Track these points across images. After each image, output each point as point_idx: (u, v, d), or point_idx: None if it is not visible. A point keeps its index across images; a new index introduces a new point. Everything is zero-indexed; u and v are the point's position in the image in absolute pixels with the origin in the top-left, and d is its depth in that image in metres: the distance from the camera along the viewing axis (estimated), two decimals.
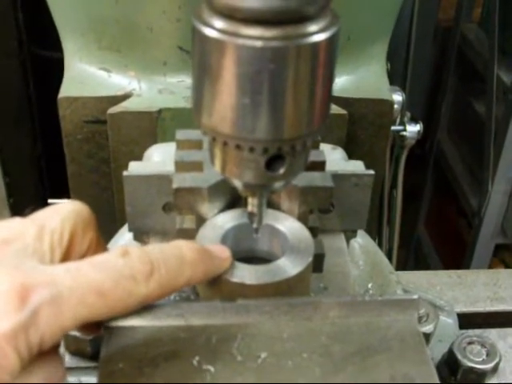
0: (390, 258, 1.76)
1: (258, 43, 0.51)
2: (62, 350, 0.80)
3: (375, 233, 1.78)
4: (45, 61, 2.07)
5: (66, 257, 0.59)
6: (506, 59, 2.22)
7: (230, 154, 0.58)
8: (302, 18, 0.52)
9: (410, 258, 2.87)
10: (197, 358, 0.60)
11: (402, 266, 2.63)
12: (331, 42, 0.54)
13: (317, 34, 0.53)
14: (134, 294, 0.56)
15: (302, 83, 0.54)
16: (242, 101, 0.53)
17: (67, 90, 1.31)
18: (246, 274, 0.66)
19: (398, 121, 1.60)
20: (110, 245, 0.95)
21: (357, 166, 0.86)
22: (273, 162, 0.58)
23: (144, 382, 0.58)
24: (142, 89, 1.31)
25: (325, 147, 0.92)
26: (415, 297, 0.66)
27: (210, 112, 0.56)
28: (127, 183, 0.80)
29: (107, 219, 1.36)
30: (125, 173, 0.80)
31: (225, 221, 0.72)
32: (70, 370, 0.79)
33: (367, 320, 0.65)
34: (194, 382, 0.58)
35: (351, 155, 1.41)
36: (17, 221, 0.59)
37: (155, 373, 0.59)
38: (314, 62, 0.54)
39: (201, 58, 0.55)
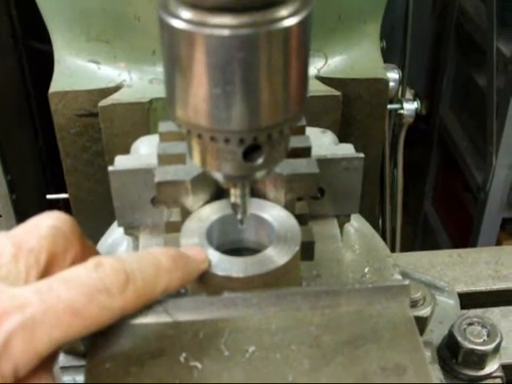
0: (393, 237, 1.75)
1: (225, 32, 0.49)
2: None
3: (378, 213, 1.76)
4: (41, 54, 2.05)
5: (44, 276, 0.56)
6: (505, 31, 2.18)
7: (207, 147, 0.57)
8: (271, 3, 0.50)
9: (417, 235, 2.85)
10: (184, 355, 0.59)
11: (409, 243, 2.61)
12: (303, 25, 0.52)
13: (287, 18, 0.51)
14: (109, 308, 0.54)
15: (274, 71, 0.52)
16: (213, 91, 0.52)
17: (57, 84, 1.30)
18: (232, 266, 0.65)
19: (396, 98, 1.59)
20: (102, 240, 0.94)
21: (347, 150, 0.84)
22: (250, 152, 0.56)
23: (131, 382, 0.57)
24: (133, 79, 1.30)
25: (314, 131, 0.91)
26: (406, 282, 0.65)
27: (182, 104, 0.55)
28: (113, 178, 0.79)
29: (104, 212, 1.35)
30: (110, 168, 0.79)
31: (210, 213, 0.71)
32: (65, 369, 0.78)
33: (358, 308, 0.63)
34: (181, 381, 0.57)
35: (348, 137, 1.40)
36: None
37: (142, 372, 0.58)
38: (286, 48, 0.52)
39: (170, 50, 0.53)
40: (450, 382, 0.85)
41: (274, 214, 0.71)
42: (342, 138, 1.33)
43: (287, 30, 0.51)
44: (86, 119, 1.32)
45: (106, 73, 1.31)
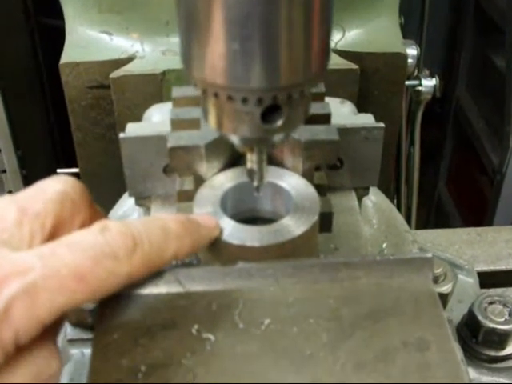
0: (409, 216, 1.72)
1: None
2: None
3: (393, 192, 1.73)
4: (53, 30, 2.03)
5: (49, 241, 0.53)
6: None
7: (223, 107, 0.54)
8: None
9: (430, 217, 2.81)
10: (196, 327, 0.56)
11: (422, 225, 2.58)
12: None
13: None
14: (116, 273, 0.51)
15: (295, 27, 0.49)
16: (231, 47, 0.49)
17: (69, 55, 1.27)
18: (247, 235, 0.62)
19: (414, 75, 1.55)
20: (113, 212, 0.92)
21: (367, 119, 0.81)
22: (269, 113, 0.53)
23: (140, 353, 0.54)
24: (145, 51, 1.27)
25: (332, 101, 0.88)
26: (429, 255, 0.62)
27: (198, 62, 0.52)
28: (124, 146, 0.76)
29: (116, 186, 1.32)
30: (121, 135, 0.76)
31: (224, 181, 0.68)
32: (72, 341, 0.76)
33: (378, 281, 0.61)
34: (193, 353, 0.54)
35: (365, 112, 1.37)
36: None
37: (152, 343, 0.55)
38: (308, 3, 0.49)
39: (187, 5, 0.50)
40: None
41: (291, 182, 0.68)
42: (359, 112, 1.31)
43: None
44: (98, 91, 1.29)
45: (119, 44, 1.28)
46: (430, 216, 2.81)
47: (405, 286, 0.60)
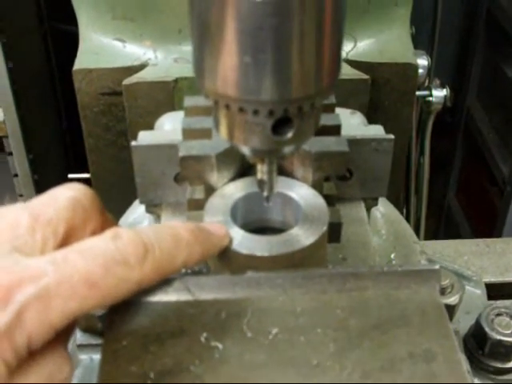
0: (418, 227, 1.72)
1: None
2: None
3: (403, 202, 1.74)
4: (66, 35, 2.04)
5: (61, 248, 0.54)
6: None
7: (234, 119, 0.55)
8: None
9: (440, 228, 2.81)
10: (204, 335, 0.57)
11: (432, 235, 2.57)
12: None
13: None
14: (127, 280, 0.52)
15: (307, 39, 0.50)
16: (243, 59, 0.49)
17: (82, 61, 1.28)
18: (256, 245, 0.63)
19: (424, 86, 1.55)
20: (123, 219, 0.93)
21: (377, 131, 0.82)
22: (280, 125, 0.54)
23: (149, 360, 0.55)
24: (158, 58, 1.28)
25: (343, 112, 0.89)
26: (437, 267, 0.62)
27: (210, 73, 0.52)
28: (136, 154, 0.77)
29: (126, 193, 1.33)
30: (133, 143, 0.77)
31: (235, 190, 0.69)
32: (82, 347, 0.77)
33: (386, 292, 0.61)
34: (201, 361, 0.55)
35: (376, 122, 1.37)
36: (11, 209, 0.54)
37: (161, 350, 0.56)
38: (320, 16, 0.49)
39: (200, 17, 0.51)
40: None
41: (301, 192, 0.68)
42: (369, 122, 1.31)
43: None
44: (110, 98, 1.30)
45: (131, 51, 1.29)
46: (440, 226, 2.80)
47: (412, 298, 0.61)
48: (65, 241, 0.54)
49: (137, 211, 0.91)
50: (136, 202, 0.92)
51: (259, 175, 0.62)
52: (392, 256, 0.86)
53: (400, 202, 1.66)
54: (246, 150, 0.58)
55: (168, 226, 0.58)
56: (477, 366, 0.84)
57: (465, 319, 0.90)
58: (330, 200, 0.72)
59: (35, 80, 2.12)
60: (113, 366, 0.55)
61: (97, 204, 0.58)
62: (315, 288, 0.61)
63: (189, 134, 0.71)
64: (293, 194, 0.68)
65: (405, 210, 1.74)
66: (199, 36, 0.52)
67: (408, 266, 0.62)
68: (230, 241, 0.63)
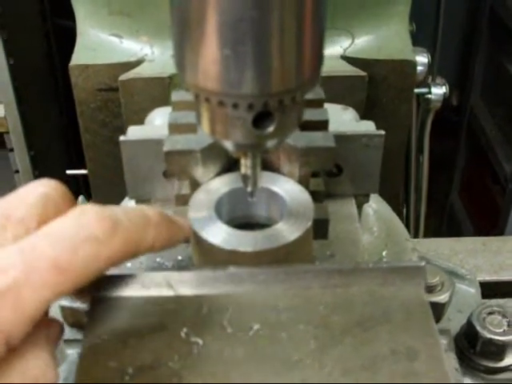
0: (417, 225, 1.71)
1: None
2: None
3: (403, 200, 1.73)
4: (68, 30, 2.04)
5: None
6: None
7: (215, 113, 0.54)
8: None
9: (442, 226, 2.80)
10: (185, 330, 0.57)
11: (434, 234, 2.56)
12: None
13: None
14: (96, 257, 0.51)
15: (286, 32, 0.49)
16: (221, 52, 0.49)
17: (79, 57, 1.28)
18: (239, 240, 0.62)
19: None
20: None
21: (368, 127, 0.81)
22: (260, 119, 0.53)
23: (128, 355, 0.55)
24: (155, 54, 1.27)
25: (335, 107, 0.88)
26: (423, 263, 0.62)
27: (190, 67, 0.52)
28: (124, 149, 0.77)
29: (124, 189, 1.33)
30: (121, 138, 0.77)
31: (220, 185, 0.68)
32: (68, 342, 0.76)
33: (370, 289, 0.60)
34: (181, 356, 0.55)
35: (373, 119, 1.36)
36: None
37: (140, 345, 0.56)
38: (300, 9, 0.49)
39: (179, 9, 0.51)
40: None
41: (286, 188, 0.68)
42: (367, 120, 1.30)
43: None
44: (107, 94, 1.30)
45: (128, 47, 1.29)
46: (443, 225, 2.79)
47: (397, 295, 0.60)
48: None
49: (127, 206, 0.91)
50: (127, 198, 0.91)
51: (243, 170, 0.61)
52: (383, 253, 0.85)
53: (400, 199, 1.65)
54: (228, 144, 0.57)
55: (136, 206, 0.58)
56: (468, 364, 0.83)
57: (457, 318, 0.89)
58: (318, 196, 0.71)
59: (37, 76, 2.12)
60: (92, 360, 0.55)
61: (68, 198, 0.58)
62: (299, 284, 0.60)
63: (175, 128, 0.70)
64: (278, 190, 0.67)
65: (405, 209, 1.73)
66: (179, 29, 0.52)
67: (394, 263, 0.62)
68: (193, 231, 0.63)
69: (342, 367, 0.54)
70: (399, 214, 1.67)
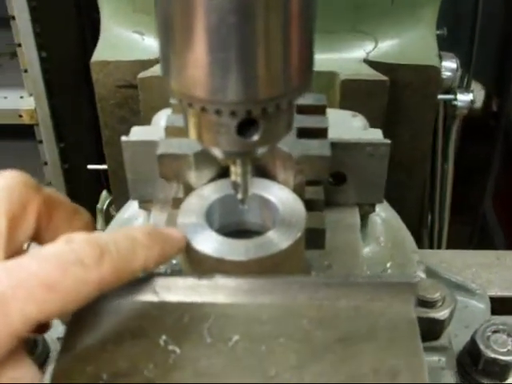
0: (440, 234, 1.68)
1: None
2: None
3: (427, 208, 1.70)
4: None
5: (10, 243, 0.54)
6: None
7: (200, 119, 0.53)
8: None
9: (473, 236, 2.74)
10: (164, 338, 0.56)
11: (464, 244, 2.51)
12: None
13: None
14: (85, 281, 0.50)
15: (267, 39, 0.47)
16: (202, 58, 0.48)
17: (100, 53, 1.28)
18: (227, 249, 0.61)
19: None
20: (120, 214, 0.92)
21: (375, 135, 0.79)
22: (245, 126, 0.52)
23: (104, 361, 0.54)
24: None
25: (344, 114, 0.86)
26: (414, 280, 0.60)
27: (174, 72, 0.51)
28: (126, 149, 0.76)
29: None
30: (123, 138, 0.76)
31: (214, 191, 0.67)
32: (60, 339, 0.76)
33: (358, 304, 0.59)
34: (156, 364, 0.54)
35: (395, 124, 1.34)
36: None
37: (118, 351, 0.55)
38: (283, 14, 0.47)
39: (162, 15, 0.50)
40: None
41: (280, 195, 0.66)
42: (389, 126, 1.28)
43: None
44: (127, 91, 1.30)
45: (150, 44, 1.28)
46: (473, 235, 2.73)
47: (384, 311, 0.58)
48: (11, 234, 0.54)
49: (132, 206, 0.90)
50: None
51: (233, 177, 0.60)
52: (388, 265, 0.84)
53: (423, 207, 1.62)
54: (216, 151, 0.56)
55: (123, 230, 0.57)
56: (470, 382, 0.81)
57: (463, 333, 0.86)
58: (316, 205, 0.70)
59: (69, 69, 2.13)
60: (69, 363, 0.55)
61: (30, 184, 0.57)
62: (284, 296, 0.59)
63: (172, 131, 0.70)
64: (271, 197, 0.66)
65: (430, 217, 1.70)
66: (161, 33, 0.51)
67: (384, 278, 0.60)
68: (188, 242, 0.62)
69: None
70: (423, 222, 1.65)
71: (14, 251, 0.55)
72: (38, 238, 0.59)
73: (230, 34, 0.47)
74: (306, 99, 0.70)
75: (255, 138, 0.53)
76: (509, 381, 0.80)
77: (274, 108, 0.51)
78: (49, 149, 2.10)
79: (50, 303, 0.49)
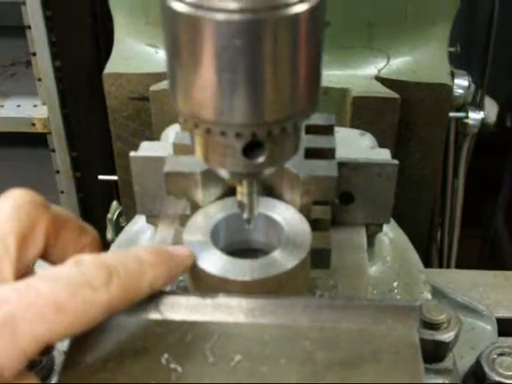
0: (450, 252, 1.67)
1: (221, 16, 0.45)
2: None
3: (438, 225, 1.69)
4: None
5: (19, 262, 0.54)
6: None
7: (206, 140, 0.53)
8: None
9: (484, 253, 2.72)
10: (166, 356, 0.56)
11: (474, 261, 2.50)
12: (312, 14, 0.48)
13: (294, 5, 0.46)
14: (94, 302, 0.51)
15: (272, 62, 0.48)
16: (207, 80, 0.48)
17: (113, 65, 1.29)
18: (231, 268, 0.61)
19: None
20: (128, 227, 0.92)
21: (382, 155, 0.79)
22: (251, 148, 0.52)
23: (106, 379, 0.54)
24: None
25: (352, 132, 0.86)
26: (417, 303, 0.60)
27: (179, 93, 0.51)
28: (134, 164, 0.77)
29: None
30: (131, 153, 0.77)
31: (220, 209, 0.67)
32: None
33: (360, 327, 0.59)
34: (157, 382, 0.54)
35: (407, 142, 1.34)
36: None
37: (119, 369, 0.55)
38: (289, 38, 0.47)
39: (168, 35, 0.50)
40: None
41: (286, 215, 0.66)
42: (400, 143, 1.28)
43: (293, 17, 0.47)
44: (139, 103, 1.30)
45: (163, 57, 1.29)
46: (484, 251, 2.72)
47: (387, 334, 0.58)
48: (20, 253, 0.54)
49: (141, 221, 0.90)
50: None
51: (239, 197, 0.61)
52: (394, 284, 0.83)
53: (433, 224, 1.62)
54: (222, 172, 0.57)
55: (130, 251, 0.58)
56: None
57: (469, 355, 0.86)
58: (322, 224, 0.70)
59: (83, 79, 2.14)
60: (71, 380, 0.55)
61: (39, 203, 0.58)
62: (287, 317, 0.59)
63: (179, 148, 0.70)
64: (277, 217, 0.66)
65: (440, 234, 1.69)
66: (170, 54, 0.51)
67: (387, 301, 0.60)
68: (195, 260, 0.62)
69: None
70: (432, 240, 1.64)
71: (23, 270, 0.55)
72: (46, 255, 0.59)
73: (236, 57, 0.47)
74: (314, 119, 0.70)
75: (261, 159, 0.53)
76: None
77: (279, 130, 0.51)
78: (61, 157, 2.11)
79: (59, 324, 0.49)
